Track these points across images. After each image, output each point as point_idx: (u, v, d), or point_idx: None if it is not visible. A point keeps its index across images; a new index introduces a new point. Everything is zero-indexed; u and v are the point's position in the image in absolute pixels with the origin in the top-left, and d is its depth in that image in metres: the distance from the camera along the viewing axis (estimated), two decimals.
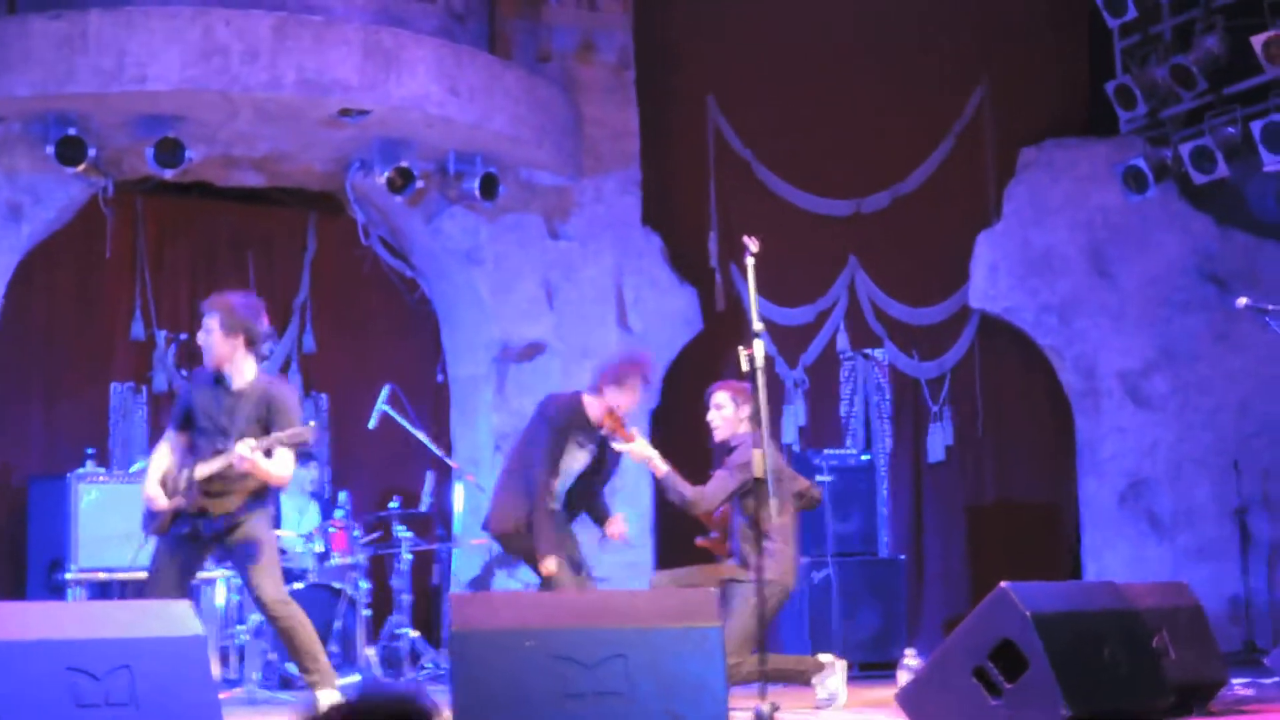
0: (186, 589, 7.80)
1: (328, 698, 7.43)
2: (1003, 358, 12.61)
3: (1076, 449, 12.31)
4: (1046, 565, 12.31)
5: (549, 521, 8.28)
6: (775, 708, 6.47)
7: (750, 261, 7.27)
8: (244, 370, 7.62)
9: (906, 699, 6.54)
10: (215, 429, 7.54)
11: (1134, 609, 6.70)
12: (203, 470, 7.40)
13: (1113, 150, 12.15)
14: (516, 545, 8.56)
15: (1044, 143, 12.48)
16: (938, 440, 12.51)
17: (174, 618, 5.48)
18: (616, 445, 8.36)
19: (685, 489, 8.23)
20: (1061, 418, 12.42)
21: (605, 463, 8.75)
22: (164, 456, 7.67)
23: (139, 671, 5.20)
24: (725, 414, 8.57)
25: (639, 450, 8.26)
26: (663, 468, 8.28)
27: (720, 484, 8.22)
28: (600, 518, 8.92)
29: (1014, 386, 12.67)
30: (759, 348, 6.99)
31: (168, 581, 7.46)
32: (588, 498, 8.84)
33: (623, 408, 8.39)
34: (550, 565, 8.16)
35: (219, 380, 7.61)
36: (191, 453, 7.61)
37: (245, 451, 7.16)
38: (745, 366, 6.97)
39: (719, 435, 8.66)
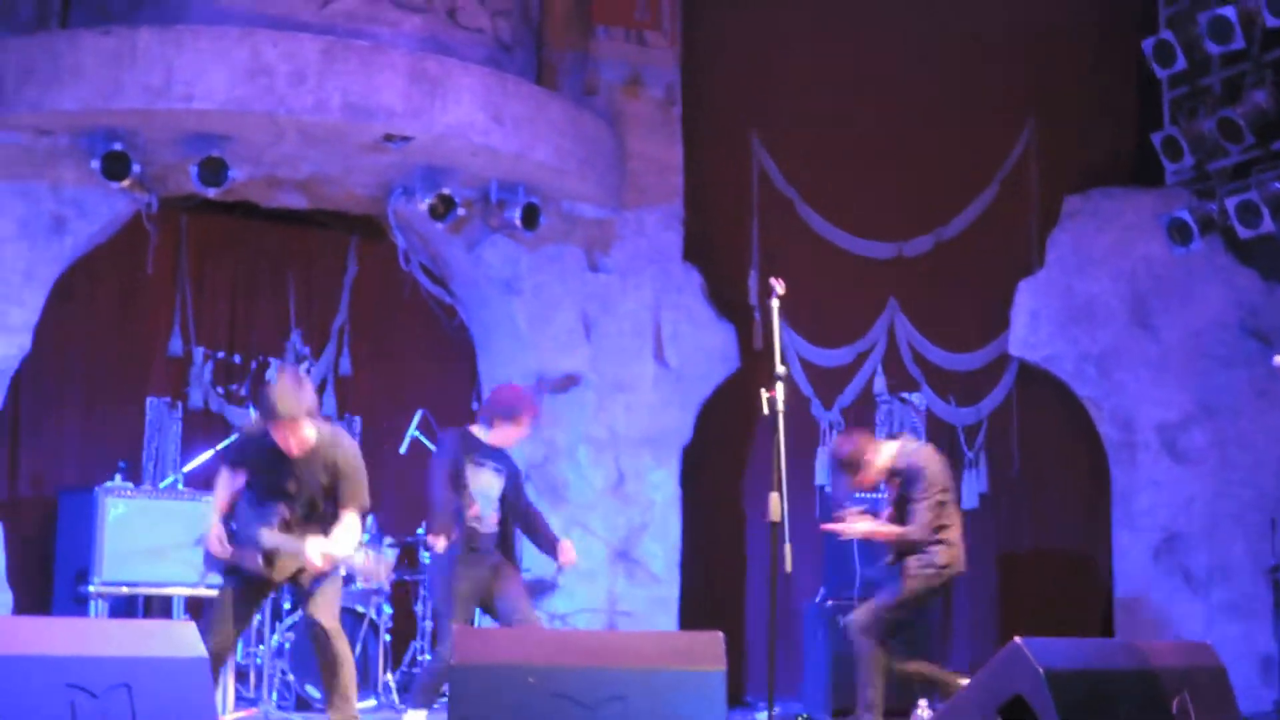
0: (249, 620, 7.92)
1: None
2: (1040, 406, 12.50)
3: (1112, 501, 12.18)
4: (1078, 617, 12.20)
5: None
6: None
7: (775, 304, 7.22)
8: (306, 438, 7.61)
9: None
10: (278, 492, 7.61)
11: (1152, 669, 6.59)
12: (269, 542, 7.50)
13: (1158, 201, 12.04)
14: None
15: (1090, 191, 12.37)
16: (972, 487, 12.39)
17: (178, 639, 5.48)
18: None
19: (898, 530, 8.81)
20: (1098, 469, 12.30)
21: (515, 478, 8.85)
22: (224, 495, 7.73)
23: (139, 691, 5.20)
24: (870, 462, 8.96)
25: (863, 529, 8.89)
26: (879, 528, 8.89)
27: (921, 514, 8.70)
28: (549, 545, 8.91)
29: (1051, 436, 12.56)
30: (780, 390, 6.94)
31: (230, 611, 7.60)
32: (524, 522, 8.94)
33: (511, 441, 8.73)
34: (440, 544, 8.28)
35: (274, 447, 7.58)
36: (253, 498, 7.66)
37: (317, 559, 7.42)
38: (766, 410, 6.92)
39: (871, 480, 9.14)
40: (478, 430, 8.72)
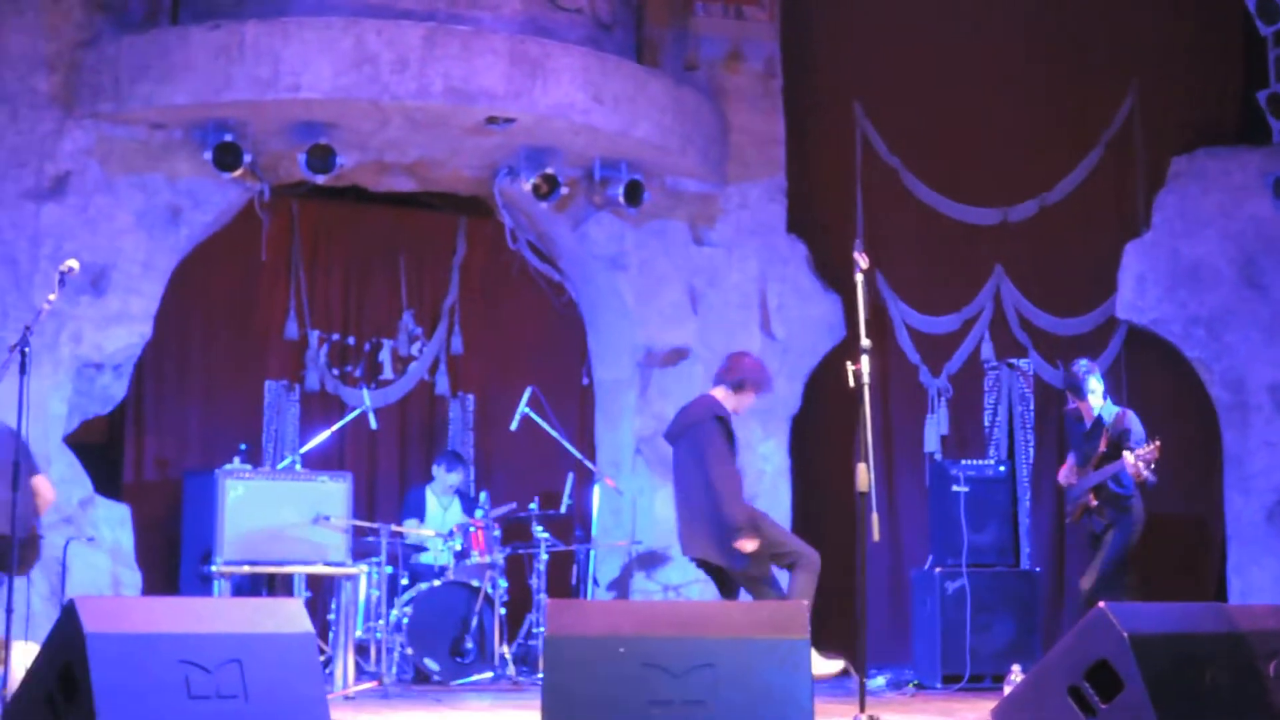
0: None
1: None
2: (1149, 370, 12.48)
3: (1224, 464, 12.15)
4: (1191, 580, 12.19)
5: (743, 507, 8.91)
6: (874, 719, 6.56)
7: (860, 277, 7.34)
8: None
9: (1002, 715, 6.57)
10: None
11: (1244, 632, 6.64)
12: None
13: (1265, 160, 11.96)
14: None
15: (1195, 152, 12.28)
16: None
17: (286, 615, 5.74)
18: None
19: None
20: (1209, 431, 12.25)
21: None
22: None
23: (249, 665, 5.46)
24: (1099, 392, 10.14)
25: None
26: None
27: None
28: None
29: (1160, 399, 12.50)
30: (865, 363, 7.08)
31: None
32: None
33: (740, 410, 9.12)
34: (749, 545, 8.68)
35: None
36: None
37: None
38: (852, 383, 7.06)
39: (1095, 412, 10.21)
40: (720, 395, 9.09)
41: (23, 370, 7.36)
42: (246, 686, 5.43)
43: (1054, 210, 12.62)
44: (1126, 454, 9.82)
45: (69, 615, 5.28)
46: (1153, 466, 9.87)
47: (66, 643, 5.27)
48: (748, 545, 8.63)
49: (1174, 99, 12.55)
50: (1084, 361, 10.43)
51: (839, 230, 12.56)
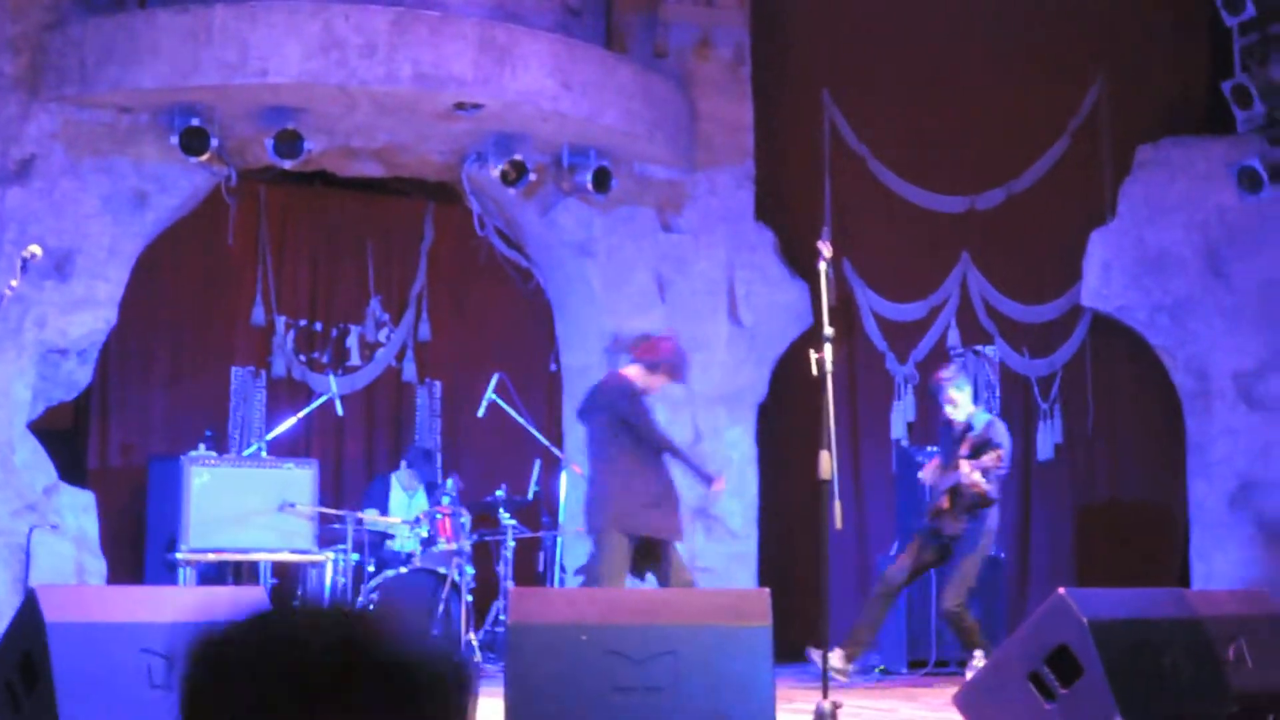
0: None
1: None
2: (1114, 357, 12.54)
3: (1186, 451, 12.20)
4: (1155, 566, 12.24)
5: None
6: (837, 705, 6.58)
7: (823, 266, 7.34)
8: None
9: (963, 700, 6.60)
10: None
11: (1202, 617, 6.69)
12: None
13: (1231, 149, 12.00)
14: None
15: (1161, 141, 12.33)
16: (1047, 438, 12.48)
17: (247, 604, 5.71)
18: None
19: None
20: (1172, 418, 12.30)
21: None
22: None
23: None
24: (962, 401, 9.90)
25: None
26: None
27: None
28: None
29: (1125, 386, 12.59)
30: (829, 351, 7.09)
31: None
32: None
33: (654, 391, 9.23)
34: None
35: None
36: None
37: None
38: (815, 371, 7.07)
39: (960, 419, 9.92)
40: (633, 373, 9.16)
41: None
42: None
43: (1021, 198, 12.66)
44: (963, 463, 9.59)
45: (29, 604, 5.26)
46: (990, 478, 9.60)
47: (27, 632, 5.25)
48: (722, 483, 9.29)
49: (1140, 88, 12.59)
50: (948, 369, 10.31)
51: (807, 218, 12.57)
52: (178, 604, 5.75)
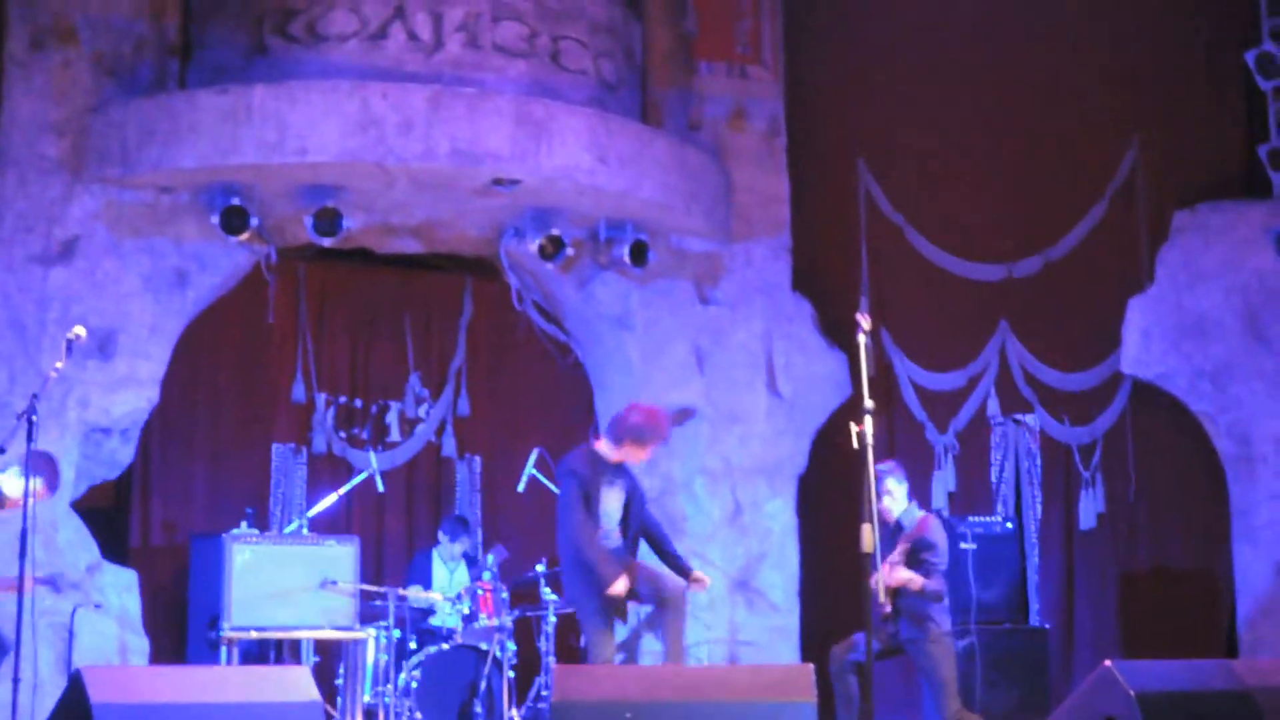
0: None
1: None
2: (1155, 424, 12.41)
3: (1231, 516, 12.05)
4: (1202, 634, 12.09)
5: (602, 553, 8.76)
6: None
7: (862, 339, 7.28)
8: None
9: None
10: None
11: (1250, 689, 6.56)
12: None
13: (1268, 214, 11.95)
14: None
15: (1198, 206, 12.26)
16: (1089, 507, 12.34)
17: (292, 684, 5.66)
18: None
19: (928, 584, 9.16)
20: (1216, 485, 12.17)
21: (637, 491, 9.17)
22: None
23: None
24: (898, 496, 9.38)
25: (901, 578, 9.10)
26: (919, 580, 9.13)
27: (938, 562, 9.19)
28: (676, 563, 9.24)
29: (1167, 453, 12.46)
30: (869, 424, 7.01)
31: None
32: (648, 535, 9.31)
33: (635, 462, 9.05)
34: (619, 586, 8.65)
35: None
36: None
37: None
38: (855, 444, 6.99)
39: (894, 516, 9.40)
40: (603, 447, 8.99)
41: (30, 438, 7.29)
42: None
43: (1058, 265, 12.57)
44: (885, 567, 8.98)
45: (75, 685, 5.20)
46: (885, 596, 9.08)
47: (73, 712, 5.19)
48: (619, 586, 8.69)
49: (1176, 154, 12.53)
50: (886, 463, 9.54)
51: (844, 288, 12.54)
52: (221, 684, 5.68)
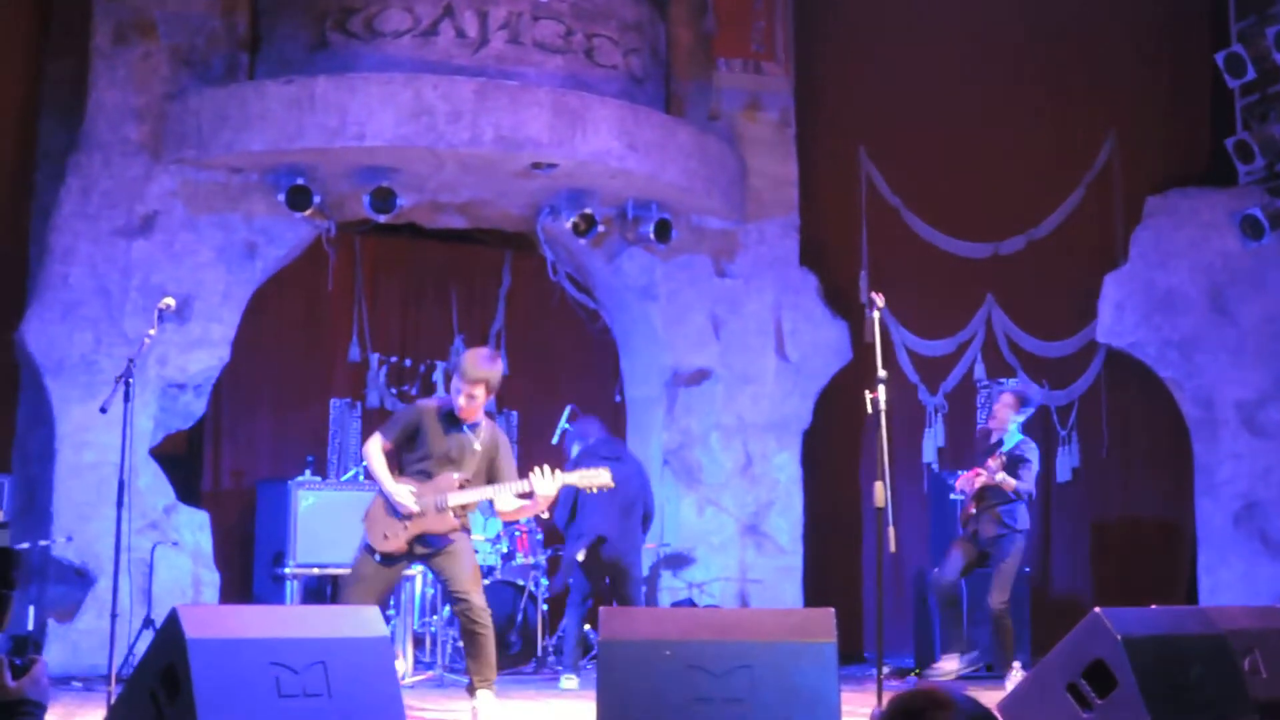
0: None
1: (486, 699, 7.42)
2: (1127, 388, 12.49)
3: (1194, 473, 12.14)
4: (1165, 580, 12.20)
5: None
6: None
7: (876, 315, 7.34)
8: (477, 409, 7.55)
9: (1007, 709, 6.58)
10: (446, 459, 7.52)
11: (1222, 632, 6.65)
12: (457, 500, 7.38)
13: (1232, 200, 11.99)
14: None
15: (1168, 192, 12.31)
16: (1065, 462, 12.43)
17: (364, 621, 5.74)
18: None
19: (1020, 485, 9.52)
20: (1181, 444, 12.25)
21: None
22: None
23: (332, 667, 5.46)
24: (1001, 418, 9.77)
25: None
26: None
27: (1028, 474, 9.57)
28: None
29: (1137, 414, 12.55)
30: (883, 391, 7.08)
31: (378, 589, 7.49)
32: None
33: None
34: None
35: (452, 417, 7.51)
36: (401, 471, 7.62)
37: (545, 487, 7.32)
38: (870, 410, 7.06)
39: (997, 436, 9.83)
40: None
41: (127, 398, 7.36)
42: (330, 686, 5.42)
43: (1040, 244, 12.63)
44: (991, 461, 9.57)
45: (172, 622, 5.29)
46: (972, 501, 9.75)
47: (169, 646, 5.28)
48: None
49: (1149, 144, 12.58)
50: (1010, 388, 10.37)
51: (846, 263, 12.61)
52: (302, 621, 5.77)
